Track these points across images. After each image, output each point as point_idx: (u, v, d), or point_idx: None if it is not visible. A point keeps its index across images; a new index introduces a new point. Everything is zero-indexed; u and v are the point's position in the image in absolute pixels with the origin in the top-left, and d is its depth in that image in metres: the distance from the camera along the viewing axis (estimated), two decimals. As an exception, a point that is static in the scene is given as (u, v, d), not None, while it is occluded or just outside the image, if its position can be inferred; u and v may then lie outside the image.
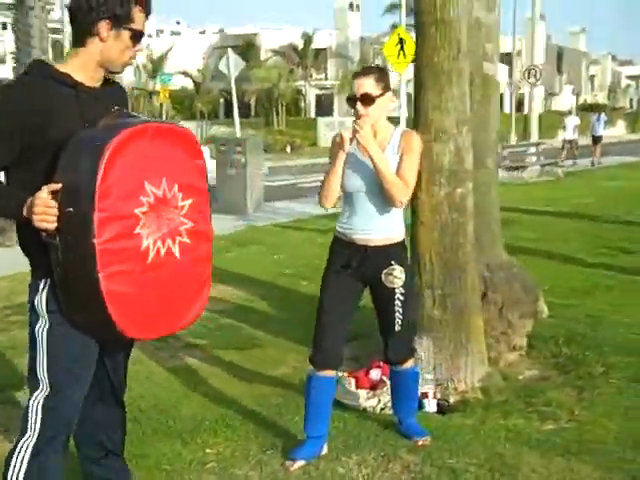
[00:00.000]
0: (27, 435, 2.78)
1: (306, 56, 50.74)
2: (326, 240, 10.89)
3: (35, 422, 2.78)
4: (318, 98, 55.02)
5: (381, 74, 3.72)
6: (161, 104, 32.46)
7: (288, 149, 35.73)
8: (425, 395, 4.49)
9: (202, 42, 61.06)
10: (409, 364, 3.99)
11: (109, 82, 2.95)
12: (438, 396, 4.55)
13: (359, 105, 3.67)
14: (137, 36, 2.83)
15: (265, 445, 3.98)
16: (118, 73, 2.96)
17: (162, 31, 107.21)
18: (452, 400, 4.60)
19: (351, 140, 3.62)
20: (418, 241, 4.60)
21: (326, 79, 54.10)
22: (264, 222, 12.96)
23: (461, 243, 4.57)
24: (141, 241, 2.64)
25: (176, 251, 2.77)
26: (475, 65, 5.19)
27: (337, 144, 3.73)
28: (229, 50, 27.73)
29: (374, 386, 4.52)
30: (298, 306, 6.87)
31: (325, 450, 3.88)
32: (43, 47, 11.13)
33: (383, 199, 3.68)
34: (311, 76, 52.37)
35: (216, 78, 45.84)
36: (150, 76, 46.56)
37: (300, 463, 3.74)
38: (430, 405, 4.48)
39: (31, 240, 2.67)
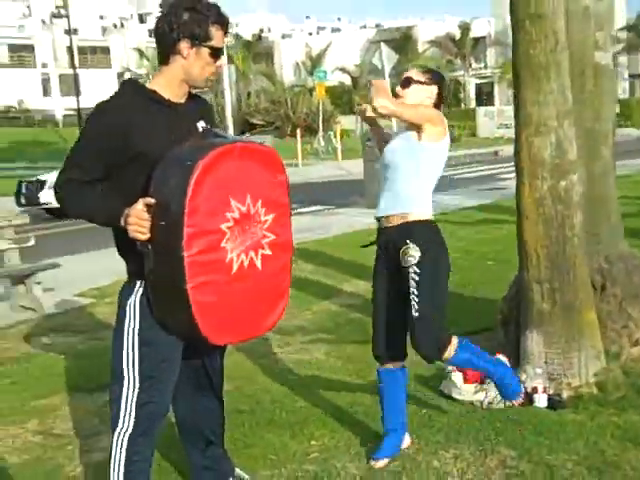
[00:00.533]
0: (120, 428, 3.04)
1: (464, 46, 50.13)
2: (467, 234, 10.90)
3: (129, 417, 3.02)
4: (478, 87, 54.20)
5: (430, 70, 3.90)
6: (319, 100, 33.08)
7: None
8: (535, 390, 4.47)
9: (361, 37, 61.61)
10: (450, 353, 3.64)
11: (194, 97, 3.19)
12: (550, 391, 4.51)
13: (398, 87, 3.82)
14: (216, 53, 3.05)
15: (368, 438, 4.12)
16: (201, 88, 3.20)
17: (323, 28, 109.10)
18: (565, 395, 4.53)
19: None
20: (523, 235, 4.58)
21: (485, 68, 53.20)
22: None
23: (568, 236, 4.51)
24: (226, 254, 2.86)
25: (258, 263, 2.97)
26: (586, 55, 5.08)
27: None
28: (382, 44, 27.89)
29: (483, 380, 4.54)
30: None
31: (408, 441, 3.95)
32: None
33: (398, 176, 3.73)
34: (470, 66, 51.66)
35: (372, 72, 46.15)
36: (309, 73, 47.51)
37: (384, 462, 3.81)
38: (540, 400, 4.45)
39: (128, 244, 2.93)
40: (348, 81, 46.90)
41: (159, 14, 3.10)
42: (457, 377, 4.59)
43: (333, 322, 6.56)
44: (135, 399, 3.02)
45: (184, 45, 2.99)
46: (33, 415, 4.78)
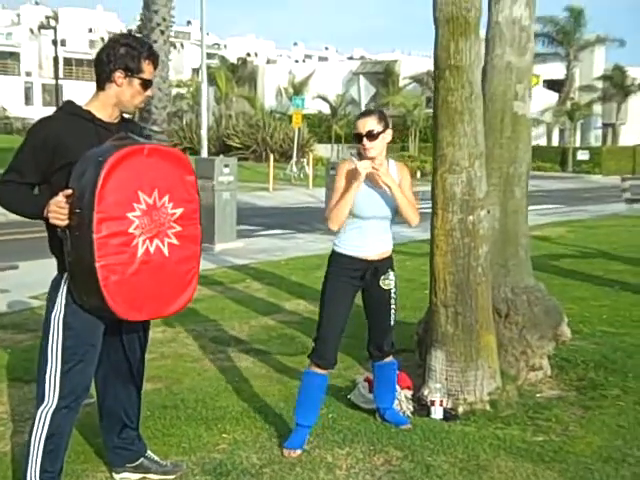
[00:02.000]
0: (45, 404, 3.46)
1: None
2: (414, 264, 11.19)
3: (52, 394, 3.45)
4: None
5: (381, 114, 4.34)
6: (297, 127, 33.62)
7: (418, 174, 36.11)
8: (432, 403, 4.92)
9: (344, 68, 62.52)
10: (391, 357, 4.70)
11: (126, 120, 3.66)
12: (446, 405, 4.96)
13: (365, 140, 4.24)
14: (146, 84, 3.57)
15: (275, 435, 4.55)
16: (130, 113, 3.70)
17: (310, 56, 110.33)
18: (461, 410, 4.99)
19: (368, 174, 4.22)
20: (433, 263, 5.05)
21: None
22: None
23: (473, 265, 4.98)
24: (133, 239, 3.29)
25: (165, 250, 3.42)
26: (507, 105, 5.62)
27: (349, 173, 4.29)
28: (360, 77, 28.46)
29: (385, 391, 4.98)
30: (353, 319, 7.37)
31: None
32: (163, 75, 12.22)
33: (387, 223, 4.41)
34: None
35: (352, 103, 47.00)
36: (290, 100, 48.17)
37: (299, 452, 4.27)
38: (436, 412, 4.90)
39: (55, 243, 3.41)
40: (327, 110, 47.58)
41: (101, 46, 3.60)
42: (364, 388, 5.03)
43: (267, 335, 6.98)
44: (59, 378, 3.45)
45: (118, 75, 3.49)
46: (-30, 400, 5.15)
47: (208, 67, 43.69)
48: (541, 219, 17.45)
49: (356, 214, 4.33)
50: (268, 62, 73.03)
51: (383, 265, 4.45)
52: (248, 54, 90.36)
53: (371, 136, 4.24)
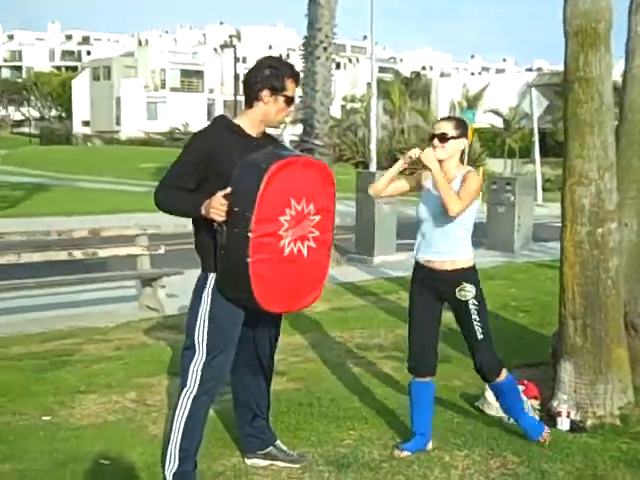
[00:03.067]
0: (187, 389, 3.90)
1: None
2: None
3: (194, 381, 3.89)
4: None
5: (460, 122, 4.53)
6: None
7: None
8: (559, 414, 4.98)
9: (520, 80, 61.38)
10: (502, 376, 4.55)
11: (268, 135, 4.07)
12: (573, 417, 5.00)
13: (436, 140, 4.45)
14: (289, 100, 3.95)
15: (400, 435, 4.78)
16: (276, 128, 4.11)
17: (487, 69, 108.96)
18: (589, 423, 5.01)
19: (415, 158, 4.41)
20: (563, 274, 5.11)
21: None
22: (525, 259, 13.42)
23: (602, 278, 5.00)
24: (281, 240, 3.71)
25: (305, 251, 3.82)
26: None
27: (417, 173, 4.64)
28: (532, 89, 28.09)
29: (512, 400, 5.09)
30: (502, 332, 7.44)
31: (430, 446, 4.57)
32: (325, 90, 12.72)
33: (446, 228, 4.41)
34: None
35: (526, 117, 46.05)
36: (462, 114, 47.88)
37: (406, 453, 4.48)
38: (563, 423, 4.95)
39: (203, 243, 3.87)
40: (500, 123, 46.90)
41: (248, 69, 4.04)
42: (490, 395, 5.16)
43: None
44: (201, 367, 3.88)
45: (265, 94, 3.90)
46: (133, 389, 5.75)
47: (382, 81, 44.42)
48: None
49: (417, 216, 4.59)
50: (442, 75, 72.89)
51: (449, 276, 4.44)
52: (423, 67, 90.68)
53: (443, 138, 4.43)
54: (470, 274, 4.48)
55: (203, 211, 3.73)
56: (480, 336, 4.44)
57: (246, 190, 3.60)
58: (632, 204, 5.58)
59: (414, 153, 4.41)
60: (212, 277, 3.87)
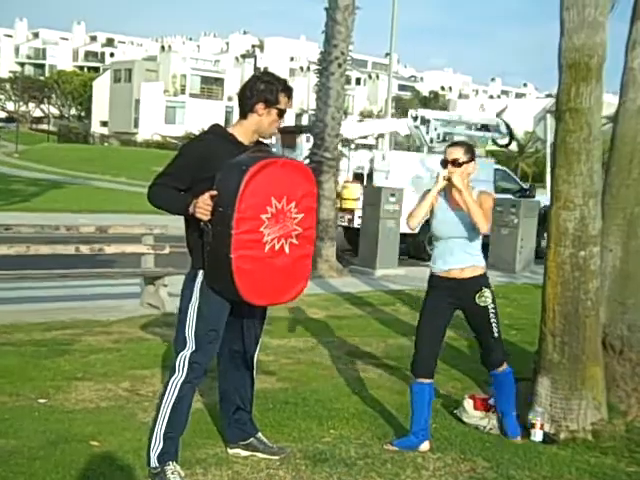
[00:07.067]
0: (175, 376, 4.13)
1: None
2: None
3: (182, 369, 4.12)
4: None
5: (469, 147, 4.87)
6: (480, 164, 33.60)
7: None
8: (533, 425, 5.18)
9: (539, 105, 61.55)
10: (505, 366, 5.06)
11: (261, 143, 4.30)
12: (547, 429, 5.19)
13: (450, 166, 4.77)
14: (281, 113, 4.17)
15: (378, 436, 4.99)
16: (267, 138, 4.34)
17: (506, 93, 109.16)
18: (562, 436, 5.20)
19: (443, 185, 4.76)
20: (545, 293, 5.32)
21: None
22: (525, 280, 13.63)
23: (582, 299, 5.21)
24: (262, 236, 3.95)
25: (287, 248, 4.06)
26: (635, 147, 5.78)
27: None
28: (547, 114, 28.24)
29: (488, 409, 5.30)
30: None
31: (425, 447, 4.78)
32: (338, 105, 12.98)
33: (463, 241, 4.79)
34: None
35: (539, 141, 46.25)
36: (477, 136, 48.10)
37: (393, 448, 4.75)
38: (536, 435, 5.14)
39: (192, 241, 4.11)
40: (514, 147, 47.08)
41: (244, 82, 4.29)
42: (468, 404, 5.37)
43: (401, 353, 7.38)
44: (189, 356, 4.11)
45: (259, 106, 4.13)
46: (127, 379, 5.98)
47: (401, 99, 45.02)
48: None
49: (435, 234, 4.93)
50: (460, 96, 73.19)
51: (470, 283, 4.84)
52: (442, 87, 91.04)
53: (456, 164, 4.74)
54: (486, 279, 4.94)
55: (191, 210, 3.97)
56: (496, 335, 4.94)
57: (228, 190, 3.85)
58: (618, 230, 5.78)
59: (444, 177, 4.76)
60: (201, 273, 4.10)
